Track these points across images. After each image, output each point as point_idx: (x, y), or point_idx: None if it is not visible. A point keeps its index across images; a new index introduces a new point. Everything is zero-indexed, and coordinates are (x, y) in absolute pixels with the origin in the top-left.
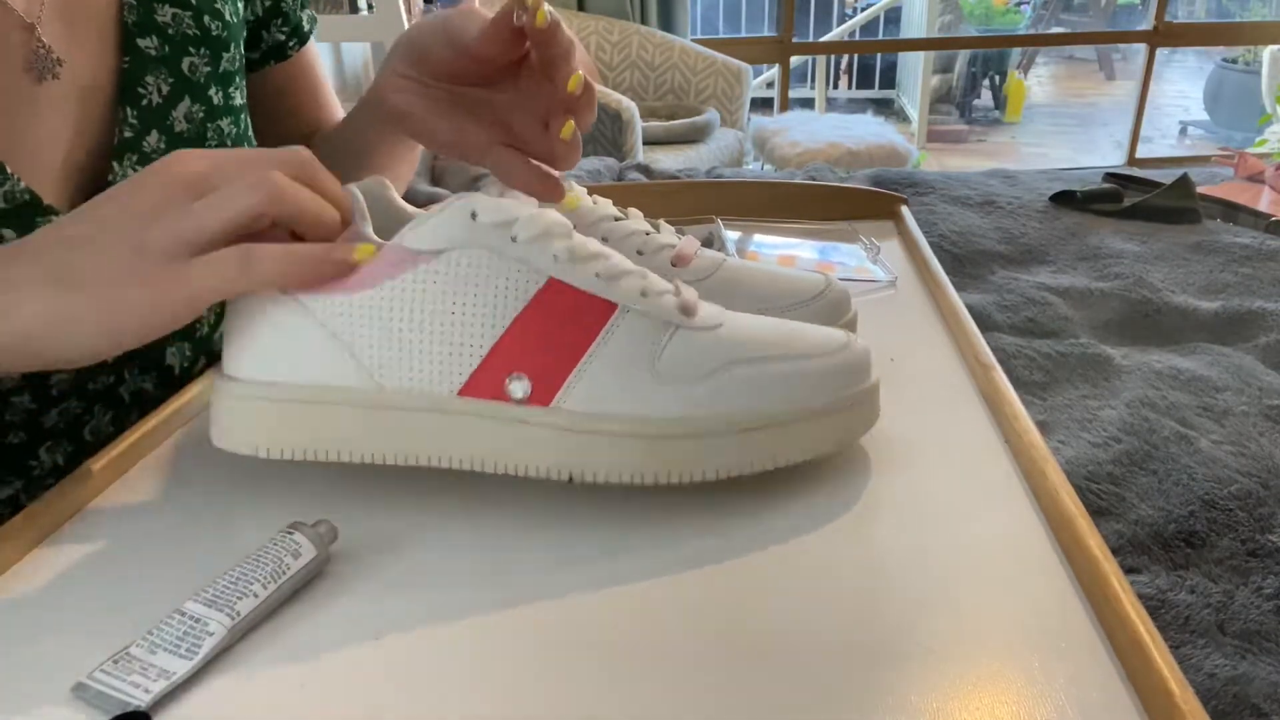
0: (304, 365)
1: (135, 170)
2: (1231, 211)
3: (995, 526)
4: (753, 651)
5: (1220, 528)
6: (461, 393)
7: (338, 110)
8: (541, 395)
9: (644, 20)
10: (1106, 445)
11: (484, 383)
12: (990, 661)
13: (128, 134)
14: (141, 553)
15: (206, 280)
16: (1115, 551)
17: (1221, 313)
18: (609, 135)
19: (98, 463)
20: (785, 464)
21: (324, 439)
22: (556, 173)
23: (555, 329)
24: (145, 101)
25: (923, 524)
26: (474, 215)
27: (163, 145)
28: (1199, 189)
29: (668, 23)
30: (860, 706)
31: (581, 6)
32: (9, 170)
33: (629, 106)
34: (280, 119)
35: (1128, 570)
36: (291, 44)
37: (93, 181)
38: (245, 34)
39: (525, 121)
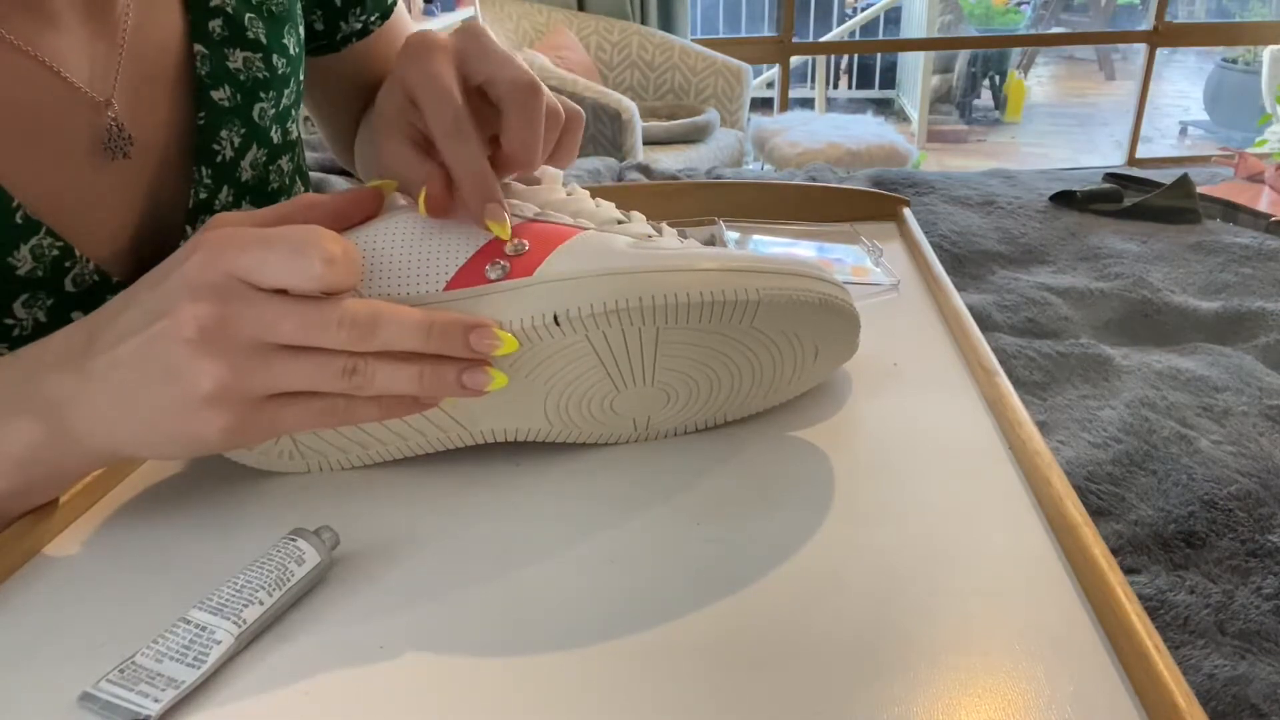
0: None
1: None
2: (1231, 211)
3: (999, 535)
4: (754, 659)
5: (1220, 528)
6: (447, 288)
7: None
8: (521, 271)
9: (644, 20)
10: (1106, 445)
11: (466, 277)
12: (995, 671)
13: (202, 195)
14: (143, 560)
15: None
16: (1115, 552)
17: (1221, 313)
18: (609, 135)
19: (98, 469)
20: (766, 298)
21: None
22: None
23: (536, 235)
24: (219, 158)
25: (925, 531)
26: None
27: (230, 199)
28: (1199, 189)
29: (668, 23)
30: (863, 716)
31: (581, 6)
32: (78, 253)
33: (629, 106)
34: (364, 92)
35: (1127, 570)
36: (374, 19)
37: (161, 250)
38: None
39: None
